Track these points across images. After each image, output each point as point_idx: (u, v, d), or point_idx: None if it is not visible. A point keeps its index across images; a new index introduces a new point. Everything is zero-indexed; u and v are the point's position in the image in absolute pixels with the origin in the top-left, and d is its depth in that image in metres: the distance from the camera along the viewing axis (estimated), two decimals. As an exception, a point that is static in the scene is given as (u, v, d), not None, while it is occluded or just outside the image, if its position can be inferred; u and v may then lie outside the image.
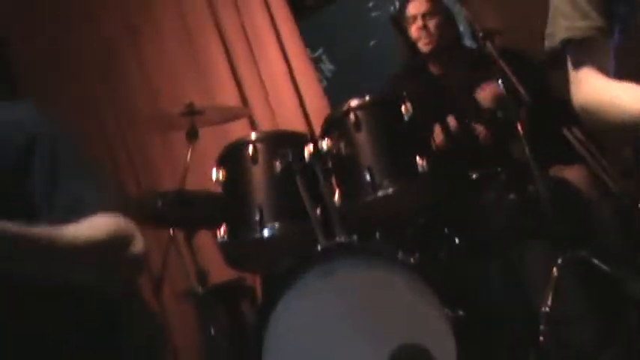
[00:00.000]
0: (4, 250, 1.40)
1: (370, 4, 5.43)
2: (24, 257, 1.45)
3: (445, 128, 3.38)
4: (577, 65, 1.85)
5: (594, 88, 1.82)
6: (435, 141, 3.31)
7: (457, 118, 3.39)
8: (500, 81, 3.00)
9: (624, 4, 1.78)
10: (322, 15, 5.28)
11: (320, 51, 5.35)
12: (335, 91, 4.71)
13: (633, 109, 1.70)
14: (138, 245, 1.58)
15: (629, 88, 1.74)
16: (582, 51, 1.83)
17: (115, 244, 1.55)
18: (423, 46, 3.64)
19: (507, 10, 3.92)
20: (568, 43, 1.84)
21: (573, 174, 3.23)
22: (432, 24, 3.67)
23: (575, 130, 3.18)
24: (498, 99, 3.19)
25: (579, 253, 2.82)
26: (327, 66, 5.44)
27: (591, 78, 1.82)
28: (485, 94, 3.32)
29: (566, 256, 2.81)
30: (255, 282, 3.83)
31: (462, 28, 3.94)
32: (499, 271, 3.10)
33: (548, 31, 1.90)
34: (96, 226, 1.54)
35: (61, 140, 1.67)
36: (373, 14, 5.45)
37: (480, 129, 3.36)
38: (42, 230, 1.47)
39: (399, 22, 3.38)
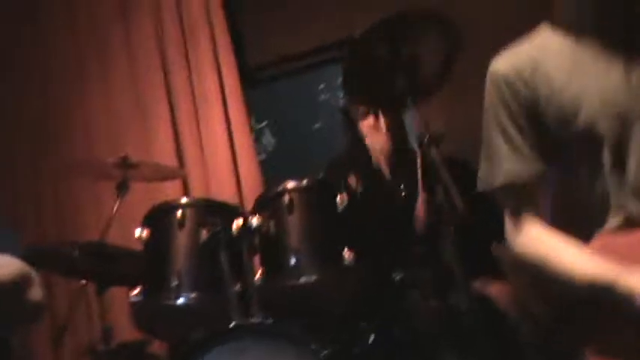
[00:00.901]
0: None
1: (321, 87, 5.49)
2: None
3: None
4: (516, 210, 1.84)
5: (536, 240, 1.81)
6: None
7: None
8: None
9: (566, 154, 1.79)
10: (273, 88, 5.32)
11: (264, 123, 5.38)
12: (272, 166, 4.71)
13: (580, 279, 1.68)
14: (36, 293, 1.57)
15: (578, 255, 1.73)
16: (522, 197, 1.83)
17: (13, 286, 1.54)
18: (372, 143, 3.65)
19: (454, 116, 4.00)
20: (507, 187, 1.83)
21: (498, 288, 3.24)
22: (382, 122, 3.70)
23: (502, 247, 3.20)
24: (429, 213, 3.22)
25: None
26: (269, 139, 5.46)
27: (532, 227, 1.81)
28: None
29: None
30: (161, 349, 3.72)
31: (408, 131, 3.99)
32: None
33: (482, 172, 1.89)
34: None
35: None
36: (322, 97, 5.52)
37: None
38: None
39: (350, 113, 3.39)
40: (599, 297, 1.64)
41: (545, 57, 1.80)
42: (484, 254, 3.15)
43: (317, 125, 5.55)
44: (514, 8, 4.05)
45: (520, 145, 1.81)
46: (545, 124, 1.78)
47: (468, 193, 2.93)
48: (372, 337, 3.15)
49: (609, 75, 1.72)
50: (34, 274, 1.59)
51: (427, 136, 2.99)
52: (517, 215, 1.84)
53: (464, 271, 2.88)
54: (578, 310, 1.75)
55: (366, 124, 3.69)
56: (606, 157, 1.70)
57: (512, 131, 1.81)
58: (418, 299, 3.16)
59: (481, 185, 1.90)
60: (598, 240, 1.72)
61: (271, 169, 4.68)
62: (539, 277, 1.79)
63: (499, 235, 3.21)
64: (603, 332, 1.69)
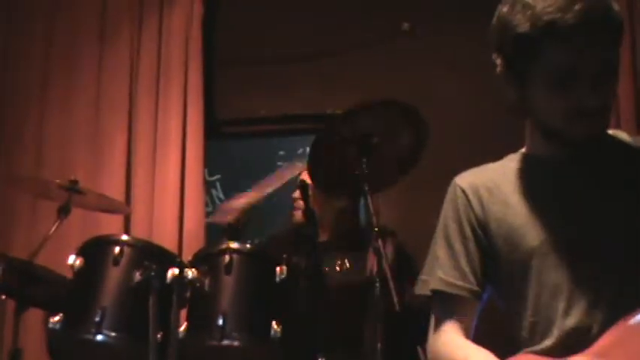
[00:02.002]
0: None
1: (280, 153, 5.51)
2: None
3: None
4: (442, 316, 1.88)
5: (450, 343, 1.83)
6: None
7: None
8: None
9: (504, 277, 1.83)
10: (233, 145, 5.32)
11: (216, 177, 5.35)
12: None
13: None
14: None
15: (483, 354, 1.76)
16: (451, 305, 1.86)
17: None
18: (321, 218, 3.66)
19: (408, 212, 4.05)
20: (439, 294, 1.87)
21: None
22: (336, 203, 3.72)
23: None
24: None
25: None
26: (218, 193, 5.44)
27: (452, 333, 1.84)
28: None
29: None
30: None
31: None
32: None
33: (422, 277, 1.93)
34: None
35: None
36: (279, 163, 5.53)
37: None
38: None
39: (306, 187, 3.39)
40: None
41: (505, 179, 1.86)
42: (404, 357, 3.18)
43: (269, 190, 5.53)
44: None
45: (460, 260, 1.85)
46: (492, 247, 1.83)
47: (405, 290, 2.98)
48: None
49: (565, 202, 1.77)
50: None
51: (377, 229, 3.02)
52: (440, 322, 1.87)
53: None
54: None
55: (320, 200, 3.70)
56: (540, 290, 1.74)
57: (457, 246, 1.87)
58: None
59: (418, 289, 1.94)
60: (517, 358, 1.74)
61: (214, 224, 4.64)
62: None
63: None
64: None
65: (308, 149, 5.39)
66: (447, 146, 3.24)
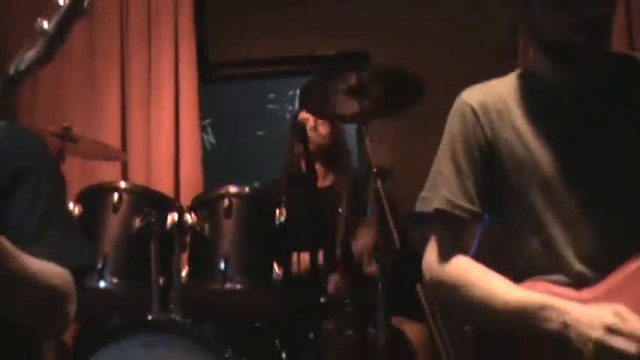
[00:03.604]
0: None
1: (271, 96, 5.49)
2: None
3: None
4: (444, 237, 1.83)
5: (463, 267, 1.79)
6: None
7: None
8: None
9: (511, 203, 1.80)
10: (223, 88, 5.29)
11: (207, 121, 5.34)
12: (208, 164, 4.67)
13: (505, 302, 1.69)
14: (73, 305, 1.63)
15: (504, 281, 1.74)
16: (454, 226, 1.82)
17: (61, 296, 1.60)
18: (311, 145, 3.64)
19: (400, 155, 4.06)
20: (443, 213, 1.82)
21: (412, 330, 3.27)
22: (323, 129, 3.72)
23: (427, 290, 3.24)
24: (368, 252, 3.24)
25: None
26: (209, 138, 5.43)
27: (459, 256, 1.81)
28: (360, 245, 3.37)
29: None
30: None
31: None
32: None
33: (424, 193, 1.87)
34: (53, 271, 1.58)
35: (46, 181, 1.69)
36: (270, 106, 5.51)
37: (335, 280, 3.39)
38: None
39: (303, 126, 3.38)
40: (522, 322, 1.65)
41: (514, 102, 1.81)
42: (404, 294, 3.21)
43: (260, 132, 5.54)
44: (467, 66, 4.14)
45: (466, 180, 1.81)
46: (500, 173, 1.79)
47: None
48: (283, 355, 3.15)
49: (572, 132, 1.74)
50: (74, 289, 1.64)
51: (375, 169, 3.02)
52: (442, 244, 1.83)
53: (387, 308, 2.91)
54: (496, 340, 1.77)
55: (320, 130, 3.70)
56: (551, 218, 1.72)
57: (463, 165, 1.82)
58: (333, 327, 3.16)
59: (419, 205, 1.88)
60: (527, 284, 1.73)
61: (207, 168, 4.63)
62: (462, 303, 1.78)
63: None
64: None
65: (298, 91, 5.43)
66: (437, 99, 3.23)
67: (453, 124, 1.87)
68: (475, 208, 1.80)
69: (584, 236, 1.69)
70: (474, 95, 1.87)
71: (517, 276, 1.77)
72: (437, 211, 1.82)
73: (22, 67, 1.41)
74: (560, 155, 1.73)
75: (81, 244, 1.74)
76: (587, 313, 1.58)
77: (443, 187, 1.82)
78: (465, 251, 1.82)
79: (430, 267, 1.85)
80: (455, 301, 1.80)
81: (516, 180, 1.77)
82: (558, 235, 1.71)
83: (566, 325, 1.59)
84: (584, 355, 1.56)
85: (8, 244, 1.48)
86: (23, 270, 1.51)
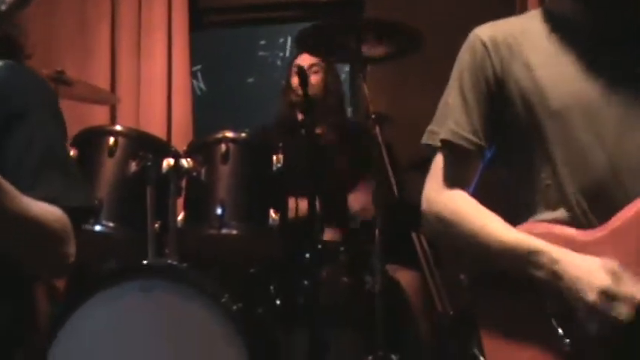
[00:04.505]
0: None
1: (261, 42, 5.45)
2: None
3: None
4: (446, 168, 1.82)
5: (461, 201, 1.79)
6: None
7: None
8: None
9: (518, 138, 1.80)
10: (213, 34, 5.24)
11: (198, 67, 5.30)
12: (198, 111, 4.65)
13: (499, 241, 1.69)
14: (72, 247, 1.62)
15: (501, 221, 1.73)
16: (457, 158, 1.81)
17: (59, 238, 1.58)
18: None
19: (397, 103, 4.03)
20: (448, 145, 1.81)
21: (406, 278, 3.28)
22: (315, 78, 3.69)
23: (422, 238, 3.25)
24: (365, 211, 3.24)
25: (390, 356, 2.83)
26: (200, 84, 5.40)
27: (459, 191, 1.80)
28: (356, 202, 3.37)
29: (377, 355, 2.81)
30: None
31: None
32: (305, 348, 3.08)
33: (431, 127, 1.86)
34: (52, 213, 1.56)
35: (46, 122, 1.68)
36: (261, 53, 5.47)
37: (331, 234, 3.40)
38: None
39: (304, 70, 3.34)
40: (512, 264, 1.66)
41: (526, 38, 1.80)
42: (399, 242, 3.22)
43: (250, 79, 5.51)
44: (465, 15, 4.11)
45: (473, 113, 1.79)
46: (507, 107, 1.78)
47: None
48: (277, 302, 3.16)
49: (585, 69, 1.73)
50: (72, 231, 1.62)
51: (373, 114, 3.00)
52: (444, 176, 1.82)
53: (383, 255, 2.91)
54: (484, 281, 1.78)
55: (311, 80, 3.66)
56: (560, 151, 1.71)
57: (470, 97, 1.80)
58: (330, 274, 3.17)
59: (426, 138, 1.86)
60: (524, 226, 1.73)
61: (197, 114, 4.61)
62: (457, 237, 1.78)
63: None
64: (502, 309, 1.72)
65: (290, 39, 5.39)
66: (433, 49, 3.20)
67: (462, 57, 1.85)
68: (480, 142, 1.79)
69: (591, 172, 1.67)
70: (485, 30, 1.85)
71: (522, 212, 1.77)
72: (442, 142, 1.82)
73: (3, 7, 1.38)
74: (570, 90, 1.71)
75: (80, 186, 1.72)
76: (581, 268, 1.58)
77: (449, 119, 1.82)
78: (465, 185, 1.82)
79: (429, 199, 1.83)
80: (449, 234, 1.79)
81: (524, 114, 1.75)
82: (564, 170, 1.70)
83: (555, 276, 1.59)
84: (575, 313, 1.57)
85: (7, 184, 1.47)
86: (21, 210, 1.50)
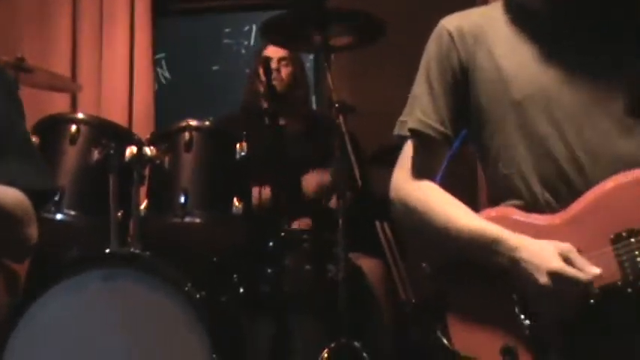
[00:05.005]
0: None
1: (226, 30, 5.43)
2: None
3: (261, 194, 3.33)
4: (414, 157, 1.86)
5: (427, 190, 1.82)
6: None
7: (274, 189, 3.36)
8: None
9: (483, 127, 1.82)
10: (177, 22, 5.21)
11: (162, 55, 5.27)
12: (162, 99, 4.62)
13: (463, 230, 1.73)
14: (33, 229, 1.67)
15: (465, 210, 1.77)
16: (424, 147, 1.85)
17: (19, 219, 1.61)
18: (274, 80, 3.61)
19: (360, 92, 4.03)
20: (416, 134, 1.85)
21: (369, 266, 3.29)
22: (285, 71, 3.70)
23: (386, 227, 3.27)
24: (322, 188, 3.25)
25: (352, 343, 2.85)
26: (164, 72, 5.37)
27: (424, 180, 1.84)
28: (310, 183, 3.38)
29: (340, 342, 2.82)
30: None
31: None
32: (269, 336, 3.09)
33: (402, 118, 1.90)
34: (12, 195, 1.59)
35: (3, 109, 1.69)
36: (225, 41, 5.46)
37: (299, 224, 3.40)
38: None
39: (268, 60, 3.33)
40: (473, 252, 1.70)
41: (491, 28, 1.83)
42: (362, 230, 3.23)
43: (215, 67, 5.49)
44: (427, 3, 4.13)
45: (440, 102, 1.83)
46: (472, 95, 1.81)
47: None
48: (240, 290, 3.16)
49: (546, 58, 1.75)
50: (33, 213, 1.63)
51: (337, 103, 3.01)
52: (411, 165, 1.86)
53: (346, 244, 2.92)
54: (448, 268, 1.82)
55: (282, 72, 3.67)
56: (521, 140, 1.74)
57: (437, 87, 1.84)
58: (293, 262, 3.17)
59: (397, 129, 1.90)
60: (487, 212, 1.77)
61: (161, 103, 4.59)
62: (422, 227, 1.81)
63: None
64: (466, 295, 1.76)
65: (254, 27, 5.37)
66: (397, 38, 3.22)
67: (430, 48, 1.89)
68: (446, 131, 1.83)
69: (552, 161, 1.70)
70: (451, 20, 1.88)
71: (490, 201, 1.81)
72: (410, 131, 1.85)
73: None
74: (531, 80, 1.74)
75: (41, 170, 1.71)
76: (536, 253, 1.61)
77: (417, 109, 1.85)
78: (432, 174, 1.86)
79: (397, 187, 1.87)
80: (416, 222, 1.82)
81: (487, 103, 1.79)
82: (525, 158, 1.73)
83: (513, 262, 1.63)
84: (530, 296, 1.62)
85: None
86: None
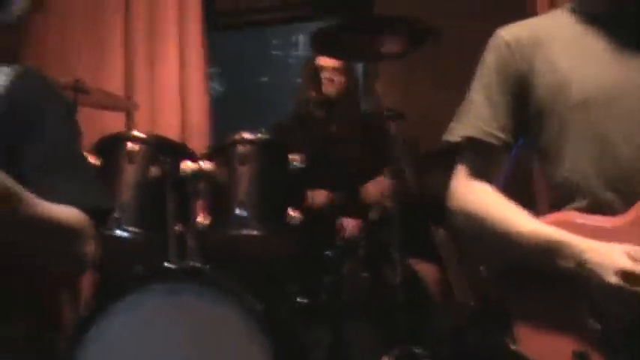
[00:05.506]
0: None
1: (274, 42, 5.48)
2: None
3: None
4: (472, 164, 1.86)
5: (486, 196, 1.82)
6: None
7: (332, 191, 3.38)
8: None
9: (545, 131, 1.82)
10: (226, 35, 5.27)
11: (213, 69, 5.33)
12: (213, 112, 4.68)
13: (525, 235, 1.71)
14: (92, 246, 1.66)
15: (525, 215, 1.76)
16: (483, 154, 1.85)
17: (79, 238, 1.62)
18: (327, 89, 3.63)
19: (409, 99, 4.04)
20: (474, 141, 1.85)
21: (426, 270, 3.30)
22: (338, 80, 3.72)
23: (442, 231, 3.28)
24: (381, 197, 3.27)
25: (412, 349, 2.85)
26: (216, 85, 5.43)
27: (483, 186, 1.83)
28: (370, 192, 3.39)
29: (400, 349, 2.83)
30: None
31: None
32: (327, 344, 3.11)
33: (453, 123, 1.90)
34: (72, 215, 1.60)
35: (61, 125, 1.70)
36: (273, 52, 5.50)
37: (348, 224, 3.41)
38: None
39: (318, 70, 3.36)
40: (536, 257, 1.69)
41: (549, 35, 1.83)
42: (417, 235, 3.24)
43: (264, 79, 5.54)
44: (476, 11, 4.12)
45: (498, 110, 1.83)
46: (533, 102, 1.81)
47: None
48: (298, 300, 3.18)
49: (608, 61, 1.75)
50: (91, 229, 1.65)
51: (387, 110, 3.03)
52: (469, 172, 1.86)
53: (401, 249, 2.94)
54: (511, 273, 1.79)
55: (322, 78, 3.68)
56: (583, 143, 1.73)
57: (495, 95, 1.84)
58: (350, 270, 3.20)
59: (448, 135, 1.90)
60: (549, 217, 1.76)
61: (212, 116, 4.63)
62: (481, 233, 1.81)
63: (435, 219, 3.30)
64: (532, 300, 1.74)
65: (301, 36, 5.41)
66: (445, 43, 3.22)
67: (487, 57, 1.89)
68: (506, 137, 1.83)
69: (615, 163, 1.70)
70: (509, 30, 1.89)
71: (552, 205, 1.80)
72: (467, 138, 1.85)
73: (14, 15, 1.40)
74: (593, 82, 1.74)
75: (98, 188, 1.75)
76: (603, 254, 1.60)
77: (474, 116, 1.85)
78: (490, 180, 1.85)
79: (455, 195, 1.86)
80: (475, 229, 1.82)
81: (548, 108, 1.78)
82: (588, 162, 1.72)
83: (581, 265, 1.62)
84: (600, 298, 1.60)
85: (25, 192, 1.50)
86: (40, 215, 1.53)
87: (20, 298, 1.66)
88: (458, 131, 1.88)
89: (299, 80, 4.01)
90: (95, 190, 1.72)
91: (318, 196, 3.27)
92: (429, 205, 3.23)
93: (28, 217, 1.51)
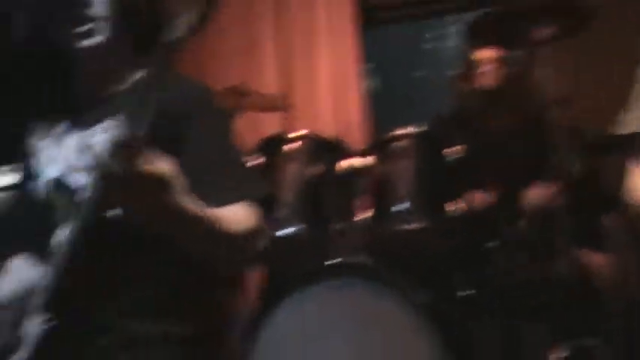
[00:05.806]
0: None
1: (427, 35, 5.43)
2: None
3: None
4: None
5: None
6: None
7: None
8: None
9: None
10: (379, 32, 5.25)
11: (369, 65, 5.33)
12: (373, 108, 4.68)
13: None
14: (260, 244, 1.66)
15: None
16: None
17: (249, 237, 1.61)
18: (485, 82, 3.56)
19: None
20: None
21: (596, 261, 3.19)
22: (498, 72, 3.62)
23: (613, 220, 3.15)
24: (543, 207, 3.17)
25: (586, 342, 2.77)
26: (371, 81, 5.43)
27: None
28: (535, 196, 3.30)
29: (575, 342, 2.75)
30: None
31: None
32: (495, 339, 3.06)
33: (628, 115, 1.83)
34: (239, 216, 1.60)
35: (214, 127, 1.72)
36: (427, 46, 5.46)
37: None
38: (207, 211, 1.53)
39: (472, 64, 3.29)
40: None
41: None
42: (587, 226, 3.13)
43: (418, 73, 5.51)
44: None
45: None
46: None
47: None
48: (463, 293, 3.15)
49: None
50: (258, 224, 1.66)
51: (555, 97, 2.95)
52: None
53: (569, 239, 2.85)
54: None
55: (480, 72, 3.59)
56: None
57: None
58: (515, 262, 3.13)
59: (619, 128, 1.85)
60: None
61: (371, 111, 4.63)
62: None
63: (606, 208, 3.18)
64: None
65: (453, 29, 5.34)
66: (609, 25, 3.08)
67: None
68: None
69: None
70: None
71: None
72: None
73: (178, 34, 1.41)
74: None
75: (256, 179, 1.77)
76: None
77: None
78: None
79: (635, 187, 1.79)
80: None
81: None
82: None
83: None
84: None
85: (190, 197, 1.49)
86: (208, 217, 1.53)
87: (189, 297, 1.69)
88: (631, 124, 1.79)
89: (453, 73, 3.94)
90: (256, 181, 1.74)
91: (480, 196, 3.20)
92: (598, 194, 3.12)
93: (196, 218, 1.51)
